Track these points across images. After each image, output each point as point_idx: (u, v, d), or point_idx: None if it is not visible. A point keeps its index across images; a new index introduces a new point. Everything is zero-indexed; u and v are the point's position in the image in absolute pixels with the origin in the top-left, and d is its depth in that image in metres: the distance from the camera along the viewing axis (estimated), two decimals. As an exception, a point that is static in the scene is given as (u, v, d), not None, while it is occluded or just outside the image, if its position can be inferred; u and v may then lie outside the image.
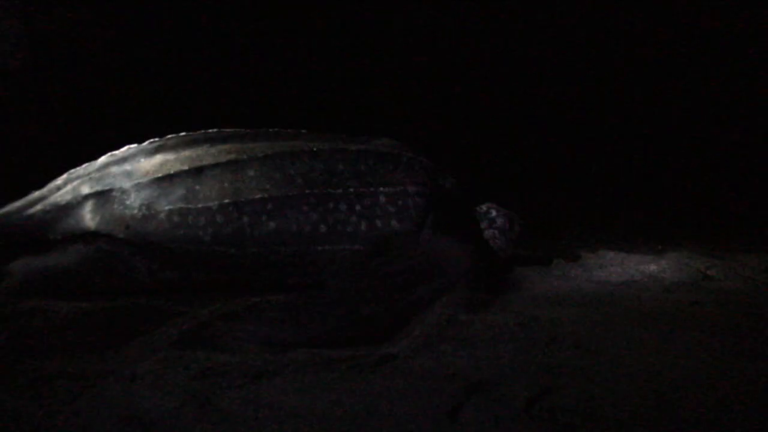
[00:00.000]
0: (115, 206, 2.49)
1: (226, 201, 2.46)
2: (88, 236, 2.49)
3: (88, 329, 2.01)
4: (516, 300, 2.41)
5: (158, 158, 2.61)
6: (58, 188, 2.63)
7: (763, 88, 5.75)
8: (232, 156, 2.57)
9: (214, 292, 2.43)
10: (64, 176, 2.69)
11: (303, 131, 2.80)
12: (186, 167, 2.53)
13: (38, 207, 2.58)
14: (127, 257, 2.46)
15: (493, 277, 2.64)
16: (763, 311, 2.29)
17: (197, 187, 2.49)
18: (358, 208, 2.55)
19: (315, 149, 2.63)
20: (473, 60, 6.13)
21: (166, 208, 2.46)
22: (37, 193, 2.65)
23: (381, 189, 2.59)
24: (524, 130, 6.08)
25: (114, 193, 2.52)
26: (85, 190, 2.55)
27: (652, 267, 2.99)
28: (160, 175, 2.52)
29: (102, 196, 2.52)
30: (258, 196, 2.48)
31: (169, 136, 2.71)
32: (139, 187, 2.51)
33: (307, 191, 2.52)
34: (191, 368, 1.69)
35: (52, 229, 2.53)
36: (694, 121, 5.89)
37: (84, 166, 2.69)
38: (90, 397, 1.50)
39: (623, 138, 6.04)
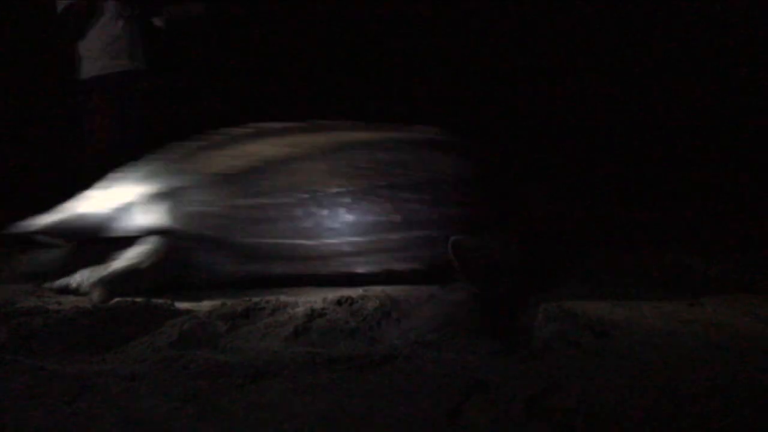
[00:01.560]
0: (184, 202, 2.49)
1: (303, 195, 2.48)
2: (164, 232, 2.49)
3: (88, 329, 2.01)
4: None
5: (220, 153, 2.62)
6: (121, 186, 2.62)
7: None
8: (298, 150, 2.59)
9: (293, 284, 2.50)
10: (124, 173, 2.68)
11: (353, 122, 2.83)
12: (251, 162, 2.54)
13: (102, 205, 2.57)
14: (209, 252, 2.48)
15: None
16: None
17: (269, 182, 2.50)
18: (426, 196, 2.58)
19: (373, 140, 2.67)
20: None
21: (239, 202, 2.47)
22: (98, 191, 2.65)
23: (444, 176, 2.63)
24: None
25: (179, 190, 2.52)
26: (152, 187, 2.55)
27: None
28: (225, 170, 2.53)
29: (171, 193, 2.52)
30: (333, 189, 2.51)
31: (227, 130, 2.71)
32: (203, 182, 2.52)
33: (377, 182, 2.55)
34: (191, 368, 1.69)
35: (120, 227, 2.52)
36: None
37: (139, 163, 2.70)
38: (90, 397, 1.50)
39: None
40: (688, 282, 2.78)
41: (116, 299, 2.36)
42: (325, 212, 2.50)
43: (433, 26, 6.49)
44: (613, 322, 2.16)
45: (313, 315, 2.12)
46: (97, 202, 2.59)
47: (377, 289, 2.53)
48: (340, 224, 2.51)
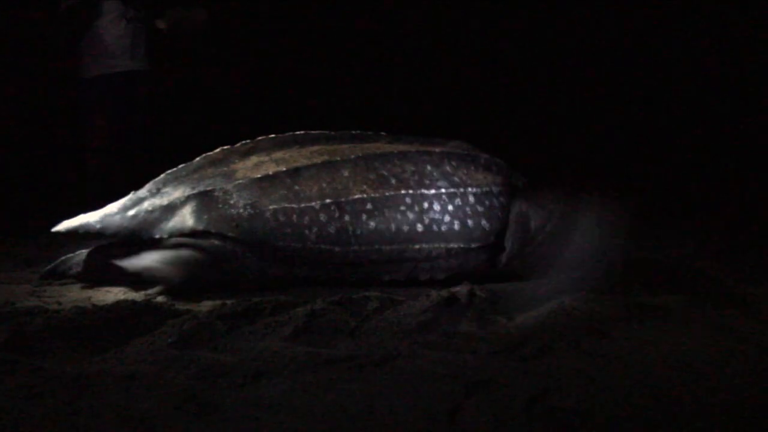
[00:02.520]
0: (221, 206, 2.58)
1: (328, 201, 2.60)
2: (198, 235, 2.56)
3: (88, 329, 2.01)
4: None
5: (253, 159, 2.72)
6: (158, 189, 2.69)
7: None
8: (325, 157, 2.69)
9: (317, 287, 2.58)
10: (162, 177, 2.76)
11: (382, 133, 2.93)
12: (283, 168, 2.64)
13: (141, 207, 2.63)
14: (239, 254, 2.58)
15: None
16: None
17: (297, 188, 2.60)
18: (450, 208, 2.69)
19: (402, 151, 2.77)
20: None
21: (271, 207, 2.58)
22: (138, 194, 2.71)
23: (469, 189, 2.73)
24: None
25: (216, 193, 2.60)
26: (188, 190, 2.63)
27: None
28: (259, 175, 2.62)
29: (205, 196, 2.60)
30: (357, 196, 2.62)
31: (259, 138, 2.81)
32: (240, 187, 2.61)
33: (402, 192, 2.66)
34: (191, 368, 1.68)
35: (158, 229, 2.59)
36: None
37: (180, 167, 2.77)
38: (90, 397, 1.50)
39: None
40: (689, 281, 2.78)
41: (118, 300, 2.37)
42: (357, 219, 2.60)
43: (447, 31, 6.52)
44: (614, 321, 2.16)
45: (313, 315, 2.12)
46: (142, 203, 2.66)
47: (377, 289, 2.54)
48: (372, 232, 2.61)
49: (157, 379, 1.61)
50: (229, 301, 2.35)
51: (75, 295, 2.59)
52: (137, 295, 2.49)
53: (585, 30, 6.43)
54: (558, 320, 2.15)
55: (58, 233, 2.69)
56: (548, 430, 1.37)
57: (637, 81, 6.35)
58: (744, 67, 6.03)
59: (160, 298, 2.46)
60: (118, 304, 2.27)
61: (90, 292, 2.62)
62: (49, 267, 2.85)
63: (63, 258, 2.85)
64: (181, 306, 2.33)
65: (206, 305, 2.33)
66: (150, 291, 2.58)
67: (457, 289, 2.49)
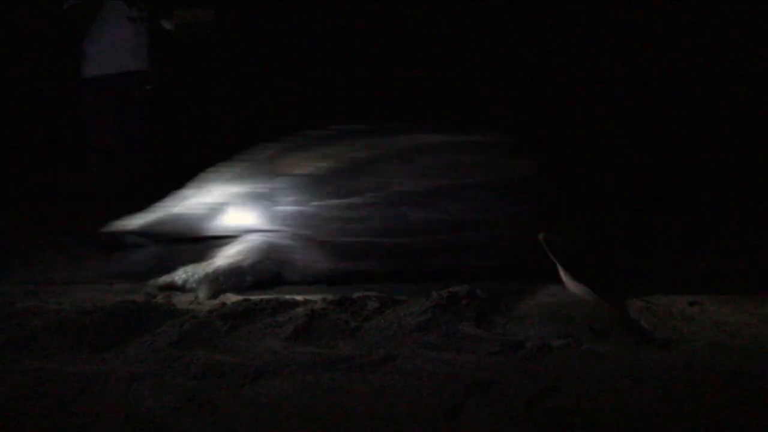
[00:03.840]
0: (269, 202, 2.62)
1: (373, 194, 2.63)
2: (261, 232, 2.61)
3: (88, 329, 2.00)
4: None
5: (296, 156, 2.75)
6: (208, 187, 2.74)
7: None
8: (367, 152, 2.72)
9: (379, 281, 2.58)
10: (210, 174, 2.80)
11: (417, 125, 2.95)
12: (328, 164, 2.68)
13: (192, 204, 2.69)
14: (293, 250, 2.61)
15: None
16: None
17: (342, 183, 2.64)
18: (492, 196, 2.69)
19: (440, 142, 2.80)
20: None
21: (318, 202, 2.61)
22: (187, 192, 2.76)
23: (507, 177, 2.74)
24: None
25: (264, 190, 2.64)
26: (237, 188, 2.67)
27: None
28: (302, 172, 2.66)
29: (255, 194, 2.64)
30: (404, 188, 2.64)
31: (300, 134, 2.85)
32: (286, 183, 2.64)
33: (445, 182, 2.67)
34: (191, 368, 1.69)
35: (210, 226, 2.65)
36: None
37: (227, 164, 2.81)
38: (90, 397, 1.50)
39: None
40: (691, 281, 2.78)
41: (118, 300, 2.37)
42: (405, 211, 2.64)
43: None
44: (614, 321, 2.16)
45: (313, 315, 2.12)
46: (191, 202, 2.71)
47: (377, 289, 2.54)
48: (420, 223, 2.64)
49: (157, 379, 1.61)
50: (229, 301, 2.35)
51: (75, 295, 2.59)
52: (137, 295, 2.49)
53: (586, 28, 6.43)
54: (558, 320, 2.15)
55: (107, 233, 2.77)
56: (548, 430, 1.37)
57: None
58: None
59: (160, 298, 2.46)
60: (118, 304, 2.27)
61: (90, 292, 2.62)
62: (108, 266, 2.88)
63: (118, 257, 2.90)
64: (181, 306, 2.33)
65: (206, 305, 2.33)
66: (150, 291, 2.58)
67: (457, 289, 2.49)
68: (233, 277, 2.55)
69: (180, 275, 2.58)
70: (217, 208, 2.65)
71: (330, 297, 2.38)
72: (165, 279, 2.59)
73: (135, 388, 1.56)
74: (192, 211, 2.66)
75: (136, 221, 2.71)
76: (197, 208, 2.66)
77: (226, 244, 2.63)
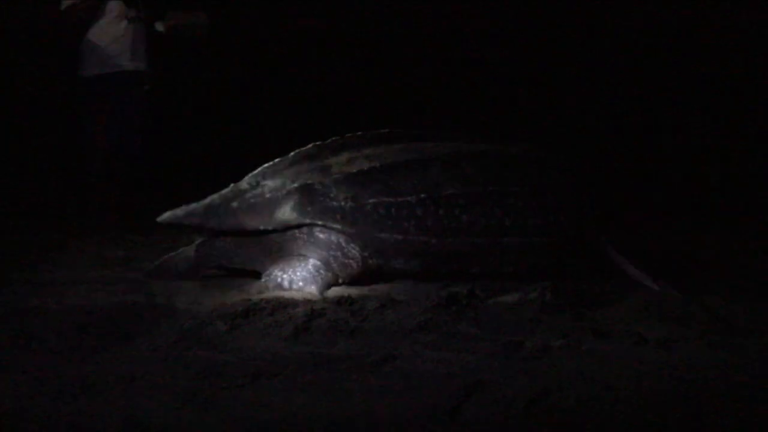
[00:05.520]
0: (323, 199, 2.69)
1: (423, 195, 2.70)
2: (304, 226, 2.68)
3: (88, 329, 2.01)
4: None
5: (345, 155, 2.83)
6: (258, 182, 2.78)
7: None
8: (413, 155, 2.81)
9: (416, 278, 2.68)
10: (260, 170, 2.85)
11: (458, 133, 3.07)
12: (376, 164, 2.75)
13: (244, 199, 2.73)
14: (343, 245, 2.67)
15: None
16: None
17: (392, 183, 2.71)
18: (533, 204, 2.81)
19: (484, 150, 2.92)
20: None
21: (371, 201, 2.68)
22: (238, 186, 2.80)
23: (548, 187, 2.86)
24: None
25: (317, 187, 2.70)
26: (288, 183, 2.72)
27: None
28: (355, 170, 2.73)
29: (307, 190, 2.69)
30: (449, 191, 2.72)
31: (348, 135, 2.93)
32: (338, 181, 2.71)
33: (489, 188, 2.77)
34: (191, 368, 1.69)
35: (262, 220, 2.69)
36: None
37: (276, 161, 2.87)
38: (90, 397, 1.50)
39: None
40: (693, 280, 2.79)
41: (118, 300, 2.37)
42: (451, 213, 2.71)
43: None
44: (614, 321, 2.17)
45: (313, 315, 2.12)
46: (247, 196, 2.75)
47: (377, 289, 2.55)
48: (464, 225, 2.72)
49: (157, 379, 1.61)
50: (229, 301, 2.35)
51: (75, 295, 2.58)
52: (137, 295, 2.49)
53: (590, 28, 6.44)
54: (558, 320, 2.15)
55: (162, 223, 2.77)
56: (548, 430, 1.37)
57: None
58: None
59: (160, 298, 2.46)
60: (118, 304, 2.27)
61: (90, 292, 2.61)
62: (153, 266, 2.90)
63: (166, 256, 2.91)
64: (181, 306, 2.33)
65: (206, 305, 2.33)
66: (151, 290, 2.58)
67: (457, 289, 2.49)
68: (330, 271, 2.65)
69: (281, 276, 2.64)
70: (271, 202, 2.70)
71: (330, 297, 2.39)
72: (266, 281, 2.65)
73: (135, 388, 1.56)
74: (245, 204, 2.71)
75: (190, 212, 2.75)
76: (251, 201, 2.71)
77: (284, 236, 2.70)
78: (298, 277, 2.61)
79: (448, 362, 1.74)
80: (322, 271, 2.64)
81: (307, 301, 2.32)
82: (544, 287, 2.42)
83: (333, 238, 2.68)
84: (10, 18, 5.53)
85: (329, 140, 2.91)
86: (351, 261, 2.70)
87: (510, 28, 6.69)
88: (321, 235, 2.69)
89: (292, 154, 2.87)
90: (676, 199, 5.07)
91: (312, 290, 2.54)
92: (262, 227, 2.69)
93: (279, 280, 2.63)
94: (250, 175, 2.84)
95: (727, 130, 6.15)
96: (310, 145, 2.90)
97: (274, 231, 2.70)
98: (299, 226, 2.69)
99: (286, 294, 2.48)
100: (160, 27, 4.49)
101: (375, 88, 6.55)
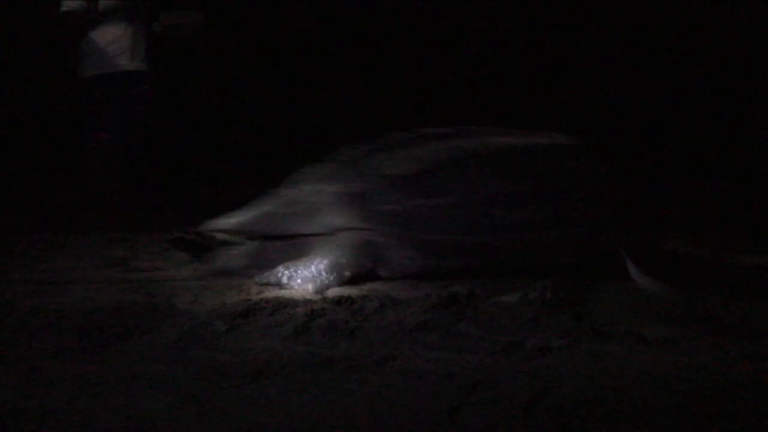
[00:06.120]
0: (368, 201, 2.73)
1: (466, 195, 2.74)
2: (345, 229, 2.73)
3: (88, 329, 2.01)
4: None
5: (386, 157, 2.86)
6: (302, 187, 2.83)
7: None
8: (454, 154, 2.83)
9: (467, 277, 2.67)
10: (302, 174, 2.89)
11: (489, 128, 3.07)
12: (418, 165, 2.79)
13: (289, 204, 2.78)
14: (392, 247, 2.71)
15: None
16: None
17: (434, 183, 2.75)
18: (572, 197, 2.83)
19: (517, 145, 2.94)
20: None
21: (416, 201, 2.71)
22: (282, 192, 2.84)
23: (583, 180, 2.87)
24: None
25: (361, 190, 2.75)
26: (332, 188, 2.76)
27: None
28: (398, 172, 2.77)
29: (351, 194, 2.75)
30: (491, 189, 2.75)
31: (384, 136, 2.96)
32: (381, 184, 2.75)
33: (529, 183, 2.80)
34: (191, 368, 1.69)
35: (308, 225, 2.74)
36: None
37: (317, 166, 2.90)
38: (90, 397, 1.50)
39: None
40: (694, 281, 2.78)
41: (118, 300, 2.37)
42: (493, 211, 2.74)
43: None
44: (614, 321, 2.17)
45: (313, 315, 2.12)
46: (285, 201, 2.80)
47: (377, 289, 2.55)
48: (506, 222, 2.75)
49: (157, 379, 1.61)
50: (229, 301, 2.35)
51: (75, 295, 2.58)
52: (137, 295, 2.49)
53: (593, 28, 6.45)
54: (558, 320, 2.15)
55: (208, 232, 2.82)
56: (548, 430, 1.37)
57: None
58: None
59: (160, 298, 2.46)
60: (118, 304, 2.27)
61: (90, 292, 2.61)
62: (207, 265, 2.90)
63: (220, 255, 2.92)
64: (181, 306, 2.33)
65: (206, 305, 2.33)
66: (151, 290, 2.58)
67: (457, 289, 2.49)
68: (334, 273, 2.64)
69: (283, 272, 2.65)
70: (316, 207, 2.74)
71: (330, 297, 2.38)
72: (267, 276, 2.66)
73: (135, 388, 1.56)
74: (291, 209, 2.76)
75: (232, 220, 2.80)
76: (296, 206, 2.76)
77: (320, 241, 2.73)
78: (298, 275, 2.62)
79: (448, 362, 1.74)
80: (324, 273, 2.63)
81: (307, 301, 2.32)
82: (544, 287, 2.41)
83: (379, 240, 2.71)
84: (10, 18, 5.53)
85: (369, 143, 2.94)
86: (395, 263, 2.73)
87: (510, 28, 6.70)
88: (370, 238, 2.72)
89: (333, 156, 2.91)
90: (675, 199, 5.07)
91: (308, 288, 2.55)
92: (309, 231, 2.74)
93: (279, 275, 2.64)
94: (291, 179, 2.87)
95: (727, 130, 6.15)
96: (350, 148, 2.94)
97: (311, 235, 2.74)
98: (335, 230, 2.73)
99: (286, 294, 2.49)
100: (155, 27, 4.50)
101: (375, 89, 6.55)
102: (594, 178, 2.93)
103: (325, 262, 2.66)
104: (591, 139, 3.18)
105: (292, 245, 2.76)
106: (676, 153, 6.09)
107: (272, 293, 2.51)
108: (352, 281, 2.66)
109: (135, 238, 4.12)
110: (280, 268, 2.66)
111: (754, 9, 6.04)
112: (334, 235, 2.73)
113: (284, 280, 2.62)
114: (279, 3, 6.78)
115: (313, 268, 2.64)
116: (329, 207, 2.73)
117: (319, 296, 2.47)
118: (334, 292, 2.50)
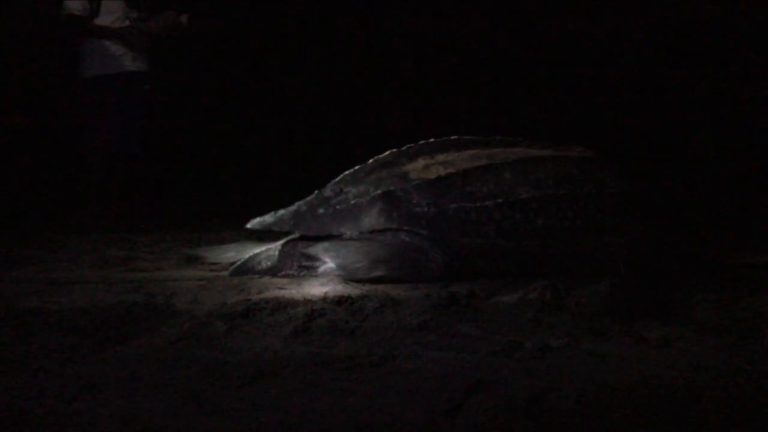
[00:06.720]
0: (406, 204, 2.83)
1: (500, 200, 2.83)
2: (389, 231, 2.83)
3: (88, 329, 2.01)
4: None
5: (420, 162, 2.96)
6: (342, 189, 2.93)
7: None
8: (485, 161, 2.93)
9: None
10: (342, 178, 3.00)
11: (519, 138, 3.19)
12: (452, 170, 2.88)
13: (330, 205, 2.88)
14: (428, 249, 2.81)
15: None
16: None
17: (468, 188, 2.84)
18: (600, 206, 2.93)
19: (548, 156, 3.03)
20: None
21: (452, 206, 2.81)
22: (323, 193, 2.95)
23: (608, 190, 2.97)
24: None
25: (399, 193, 2.84)
26: (371, 190, 2.87)
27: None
28: (432, 176, 2.87)
29: (389, 196, 2.84)
30: (524, 196, 2.85)
31: (421, 142, 3.07)
32: (418, 187, 2.84)
33: (560, 191, 2.89)
34: (191, 368, 1.69)
35: (347, 226, 2.85)
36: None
37: (356, 168, 3.02)
38: (90, 397, 1.50)
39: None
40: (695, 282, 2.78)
41: (118, 300, 2.37)
42: (527, 217, 2.83)
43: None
44: (615, 321, 2.17)
45: (313, 315, 2.12)
46: (330, 201, 2.89)
47: (377, 289, 2.55)
48: (539, 228, 2.84)
49: (157, 379, 1.61)
50: (229, 301, 2.35)
51: (75, 295, 2.59)
52: (137, 295, 2.49)
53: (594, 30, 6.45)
54: (558, 320, 2.15)
55: (252, 229, 2.92)
56: (548, 430, 1.37)
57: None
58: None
59: (160, 298, 2.46)
60: (118, 304, 2.27)
61: (90, 292, 2.62)
62: (236, 264, 3.00)
63: (250, 255, 3.02)
64: (181, 306, 2.33)
65: (206, 305, 2.33)
66: (151, 290, 2.58)
67: (457, 289, 2.50)
68: (376, 275, 2.77)
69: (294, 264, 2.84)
70: (356, 208, 2.84)
71: (330, 297, 2.38)
72: (285, 261, 2.86)
73: (135, 388, 1.56)
74: (331, 210, 2.85)
75: (279, 218, 2.89)
76: (337, 207, 2.85)
77: (373, 241, 2.82)
78: (304, 265, 2.80)
79: (448, 362, 1.74)
80: (358, 265, 2.77)
81: (307, 301, 2.32)
82: (544, 287, 2.42)
83: (417, 242, 2.80)
84: (10, 18, 5.53)
85: (404, 148, 3.05)
86: (433, 264, 2.81)
87: (510, 28, 6.70)
88: (406, 239, 2.80)
89: (370, 161, 3.02)
90: (675, 199, 5.08)
91: (341, 274, 2.74)
92: (348, 232, 2.83)
93: (316, 264, 2.80)
94: (332, 182, 2.98)
95: (727, 130, 6.15)
96: (386, 153, 3.04)
97: (362, 236, 2.83)
98: (383, 231, 2.82)
99: (286, 294, 2.49)
100: (153, 28, 4.51)
101: (375, 89, 6.55)
102: (619, 188, 3.01)
103: (355, 264, 2.78)
104: (600, 149, 3.23)
105: (333, 244, 2.87)
106: (676, 153, 6.10)
107: (272, 293, 2.51)
108: (391, 280, 2.75)
109: (135, 238, 4.12)
110: (320, 258, 2.81)
111: (754, 9, 6.04)
112: (376, 235, 2.83)
113: (292, 271, 2.78)
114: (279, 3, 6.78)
115: (350, 258, 2.78)
116: (369, 208, 2.82)
117: (320, 295, 2.47)
118: (334, 292, 2.50)
